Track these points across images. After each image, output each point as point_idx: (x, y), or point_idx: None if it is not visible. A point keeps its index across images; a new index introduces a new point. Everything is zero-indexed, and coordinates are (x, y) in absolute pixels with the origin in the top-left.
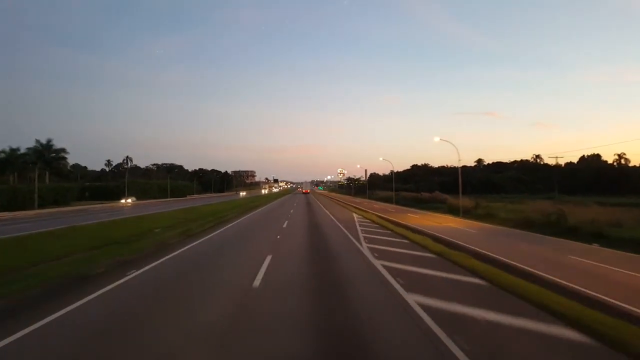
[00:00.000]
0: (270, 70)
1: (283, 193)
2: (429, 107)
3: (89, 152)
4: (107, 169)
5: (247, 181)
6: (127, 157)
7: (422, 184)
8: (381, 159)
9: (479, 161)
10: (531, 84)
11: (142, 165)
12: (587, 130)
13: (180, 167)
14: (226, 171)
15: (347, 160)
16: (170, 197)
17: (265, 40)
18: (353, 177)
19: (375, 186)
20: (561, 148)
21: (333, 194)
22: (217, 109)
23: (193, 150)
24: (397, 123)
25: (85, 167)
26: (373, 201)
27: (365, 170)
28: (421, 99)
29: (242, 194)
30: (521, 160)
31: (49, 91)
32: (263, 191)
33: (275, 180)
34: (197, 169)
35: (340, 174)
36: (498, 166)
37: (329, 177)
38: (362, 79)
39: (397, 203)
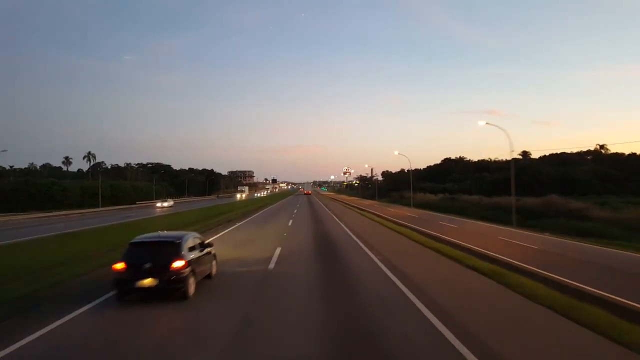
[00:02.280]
0: (271, 70)
1: (280, 195)
2: (431, 106)
3: (83, 153)
4: (66, 168)
5: (244, 182)
6: (89, 152)
7: (467, 183)
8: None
9: (525, 153)
10: (533, 82)
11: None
12: (588, 128)
13: (168, 166)
14: (212, 169)
15: (349, 161)
16: (112, 204)
17: (266, 40)
18: (366, 175)
19: (400, 186)
20: (563, 146)
21: (342, 196)
22: (218, 109)
23: (193, 152)
24: (399, 122)
25: (60, 168)
26: (428, 212)
27: (372, 169)
28: (423, 98)
29: (163, 204)
30: (588, 151)
31: (47, 93)
32: (239, 196)
33: (274, 181)
34: (186, 168)
35: (346, 173)
36: (555, 159)
37: (332, 177)
38: (364, 78)
39: (495, 220)
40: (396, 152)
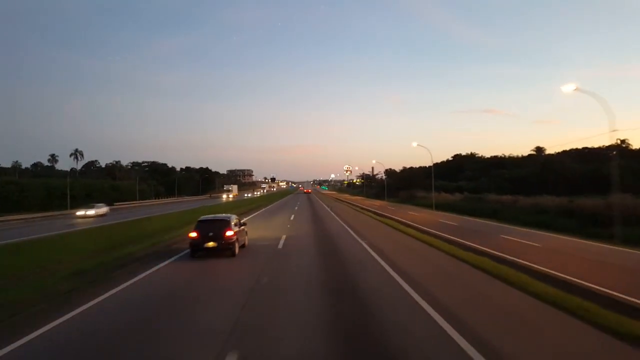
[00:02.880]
0: (271, 70)
1: (277, 195)
2: (430, 106)
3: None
4: (52, 165)
5: (243, 181)
6: (76, 150)
7: (483, 181)
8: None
9: (539, 150)
10: (533, 82)
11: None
12: (589, 128)
13: (164, 165)
14: (207, 167)
15: (349, 160)
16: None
17: (266, 40)
18: (368, 173)
19: (410, 184)
20: (563, 145)
21: (345, 196)
22: (218, 109)
23: (193, 152)
24: (399, 122)
25: (52, 167)
26: (461, 217)
27: (373, 168)
28: (423, 98)
29: (88, 212)
30: (610, 146)
31: (50, 94)
32: (225, 197)
33: (273, 179)
34: (183, 167)
35: (348, 171)
36: (577, 154)
37: (333, 176)
38: (364, 78)
39: (563, 229)
40: (415, 144)
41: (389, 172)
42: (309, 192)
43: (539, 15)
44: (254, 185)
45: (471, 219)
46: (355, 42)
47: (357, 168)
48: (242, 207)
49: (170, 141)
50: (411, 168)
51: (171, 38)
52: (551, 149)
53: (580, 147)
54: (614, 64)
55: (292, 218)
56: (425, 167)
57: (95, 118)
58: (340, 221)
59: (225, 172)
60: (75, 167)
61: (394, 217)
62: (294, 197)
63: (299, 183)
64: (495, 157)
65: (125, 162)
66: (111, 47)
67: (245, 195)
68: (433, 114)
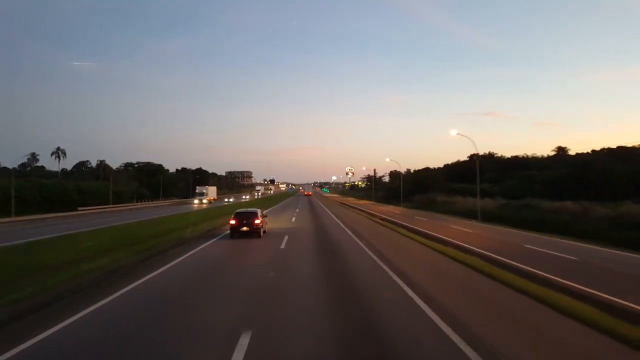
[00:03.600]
0: (271, 72)
1: (273, 199)
2: (430, 108)
3: (86, 156)
4: (34, 164)
5: (242, 182)
6: (58, 148)
7: (509, 183)
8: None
9: (560, 149)
10: (533, 84)
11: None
12: (589, 130)
13: (160, 166)
14: (200, 168)
15: (350, 162)
16: (43, 212)
17: (267, 41)
18: (374, 175)
19: (425, 187)
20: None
21: (350, 200)
22: (218, 111)
23: (193, 154)
24: (399, 124)
25: (43, 167)
26: (541, 236)
27: (375, 170)
28: (423, 100)
29: None
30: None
31: (52, 95)
32: (197, 202)
33: (272, 181)
34: (179, 168)
35: (350, 172)
36: (612, 154)
37: (334, 178)
38: (364, 79)
39: None
40: (454, 132)
41: (395, 174)
42: (310, 195)
43: (541, 17)
44: (253, 187)
45: (553, 239)
46: (356, 44)
47: (364, 168)
48: (208, 222)
49: (169, 143)
50: (426, 169)
51: (171, 40)
52: (572, 150)
53: (614, 146)
54: (615, 67)
55: (282, 247)
56: (435, 168)
57: (95, 120)
58: (364, 247)
59: (224, 174)
60: (60, 166)
61: (447, 238)
62: (294, 200)
63: (299, 185)
64: (517, 157)
65: (122, 163)
66: (111, 49)
67: (226, 200)
68: (433, 116)
